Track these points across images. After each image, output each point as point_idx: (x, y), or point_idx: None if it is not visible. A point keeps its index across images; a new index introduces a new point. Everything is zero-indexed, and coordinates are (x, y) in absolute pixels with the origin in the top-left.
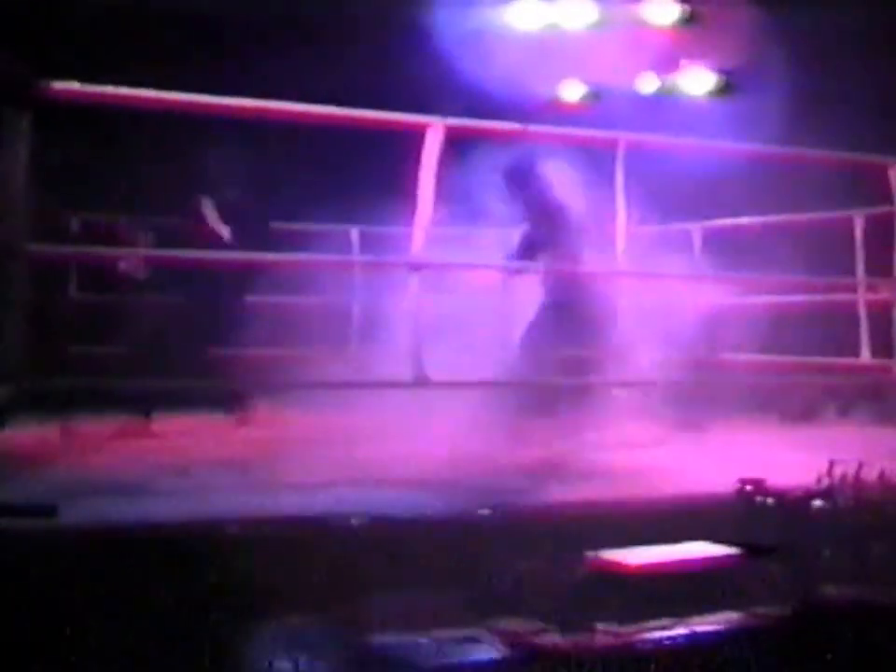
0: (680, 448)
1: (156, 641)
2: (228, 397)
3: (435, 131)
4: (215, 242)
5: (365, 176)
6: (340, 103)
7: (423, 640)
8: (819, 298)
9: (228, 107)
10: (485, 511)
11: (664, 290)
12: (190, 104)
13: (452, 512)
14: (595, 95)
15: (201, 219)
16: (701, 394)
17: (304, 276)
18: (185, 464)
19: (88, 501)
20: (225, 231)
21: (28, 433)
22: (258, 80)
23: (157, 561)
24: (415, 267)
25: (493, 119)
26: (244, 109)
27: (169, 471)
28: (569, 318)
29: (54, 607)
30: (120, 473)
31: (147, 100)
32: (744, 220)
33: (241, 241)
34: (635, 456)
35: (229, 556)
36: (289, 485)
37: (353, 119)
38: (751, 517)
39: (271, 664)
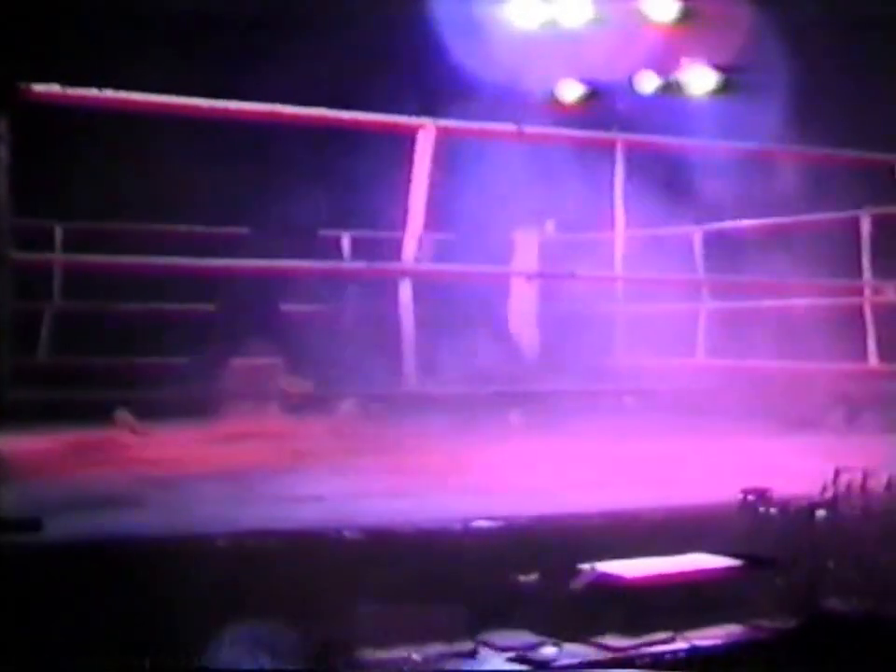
0: (681, 456)
1: (141, 655)
2: (211, 405)
3: (427, 132)
4: None
5: (358, 180)
6: (328, 104)
7: (414, 655)
8: (824, 301)
9: (212, 110)
10: (479, 523)
11: (663, 295)
12: (176, 106)
13: (444, 524)
14: (594, 94)
15: None
16: (704, 401)
17: (296, 283)
18: (171, 475)
19: (73, 514)
20: None
21: (10, 443)
22: (240, 82)
23: (142, 575)
24: (407, 274)
25: (489, 119)
26: (227, 112)
27: (155, 483)
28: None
29: (38, 622)
30: (105, 485)
31: (128, 103)
32: (746, 222)
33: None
34: (634, 466)
35: (215, 570)
36: (278, 497)
37: (343, 122)
38: (754, 527)
39: None
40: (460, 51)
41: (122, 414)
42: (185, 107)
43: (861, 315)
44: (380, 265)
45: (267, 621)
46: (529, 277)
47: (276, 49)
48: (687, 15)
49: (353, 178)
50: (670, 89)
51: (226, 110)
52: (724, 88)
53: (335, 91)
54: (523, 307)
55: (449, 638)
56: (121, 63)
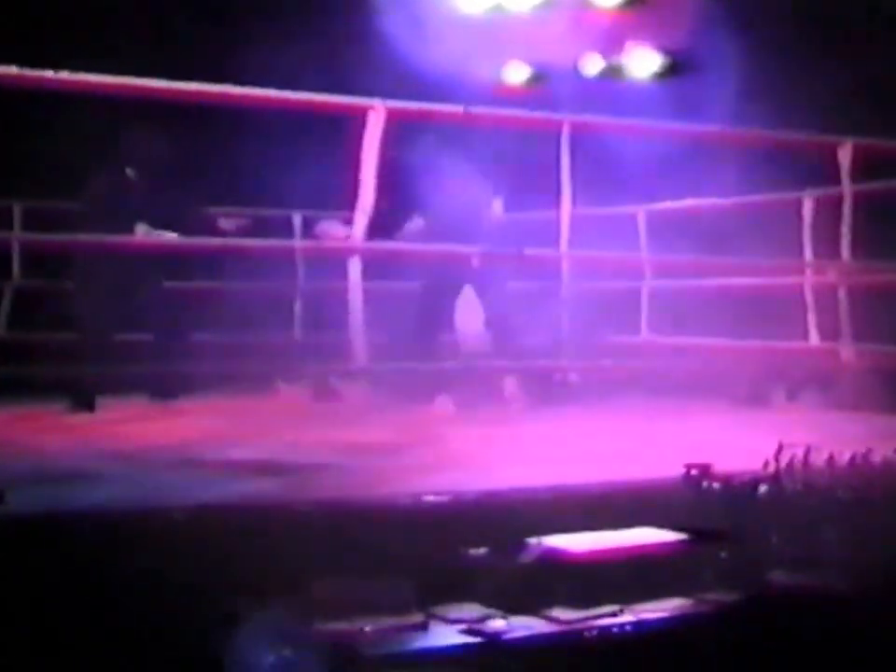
0: (626, 433)
1: (100, 631)
2: (165, 383)
3: (376, 113)
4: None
5: (309, 162)
6: (278, 85)
7: (367, 628)
8: (766, 281)
9: (162, 90)
10: (428, 498)
11: (607, 274)
12: (129, 87)
13: (395, 498)
14: (540, 77)
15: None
16: (648, 378)
17: (245, 263)
18: (131, 450)
19: (34, 487)
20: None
21: None
22: (187, 60)
23: (102, 548)
24: (355, 253)
25: (436, 102)
26: (178, 93)
27: (115, 457)
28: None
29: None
30: (65, 459)
31: (85, 84)
32: (689, 202)
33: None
34: (579, 442)
35: (174, 543)
36: (234, 471)
37: (292, 103)
38: (698, 502)
39: (213, 651)
40: (407, 36)
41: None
42: (136, 88)
43: (802, 296)
44: (330, 243)
45: (222, 595)
46: (479, 256)
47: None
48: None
49: (305, 159)
50: (614, 72)
51: (176, 91)
52: (668, 71)
53: (283, 74)
54: (472, 288)
55: (401, 612)
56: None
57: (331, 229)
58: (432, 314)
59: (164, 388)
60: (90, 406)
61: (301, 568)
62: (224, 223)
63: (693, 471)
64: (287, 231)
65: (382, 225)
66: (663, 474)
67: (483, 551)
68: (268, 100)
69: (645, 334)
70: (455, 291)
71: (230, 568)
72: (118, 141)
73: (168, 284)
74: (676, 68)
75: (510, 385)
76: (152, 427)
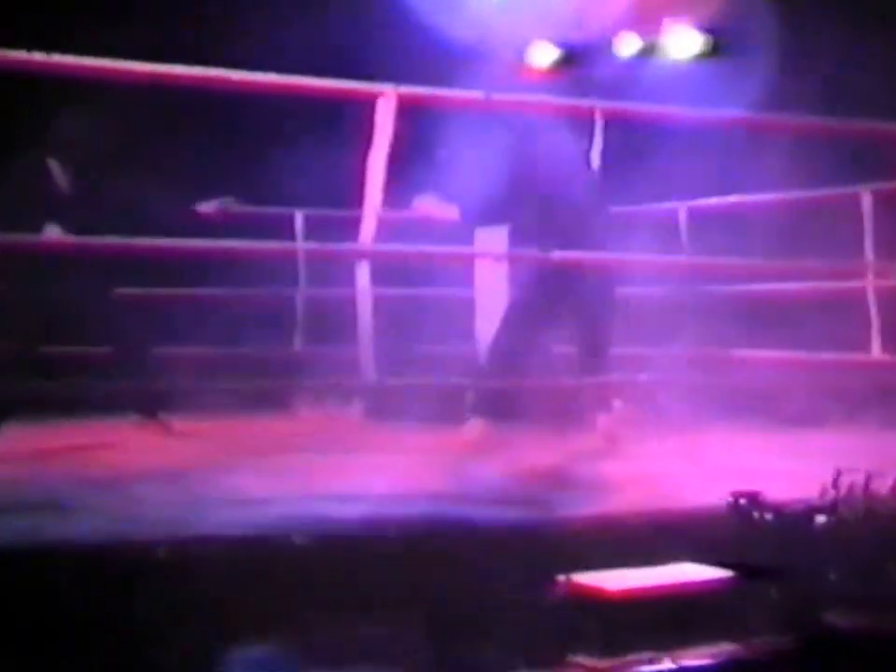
0: (666, 457)
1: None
2: (147, 400)
3: (387, 100)
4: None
5: (312, 154)
6: (280, 69)
7: None
8: (822, 285)
9: (150, 74)
10: (444, 528)
11: (645, 278)
12: (115, 71)
13: (407, 529)
14: (569, 59)
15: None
16: (690, 395)
17: (242, 266)
18: (111, 476)
19: (5, 518)
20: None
21: None
22: (179, 42)
23: (79, 585)
24: (364, 256)
25: (454, 86)
26: (171, 77)
27: (94, 484)
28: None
29: None
30: (40, 487)
31: (59, 66)
32: (734, 198)
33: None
34: (613, 466)
35: (157, 579)
36: (225, 500)
37: (294, 88)
38: (747, 534)
39: None
40: (422, 14)
41: None
42: (124, 72)
43: (864, 301)
44: (335, 246)
45: (211, 635)
46: (499, 259)
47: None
48: None
49: (307, 152)
50: (651, 51)
51: (169, 75)
52: (710, 51)
53: (290, 59)
54: (490, 293)
55: (408, 657)
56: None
57: (430, 204)
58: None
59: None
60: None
61: (298, 608)
62: (204, 207)
63: (741, 500)
64: (287, 230)
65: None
66: (706, 502)
67: (503, 589)
68: (270, 86)
69: (687, 345)
70: (555, 304)
71: (218, 609)
72: (43, 127)
73: (127, 291)
74: (718, 48)
75: (603, 420)
76: (137, 450)
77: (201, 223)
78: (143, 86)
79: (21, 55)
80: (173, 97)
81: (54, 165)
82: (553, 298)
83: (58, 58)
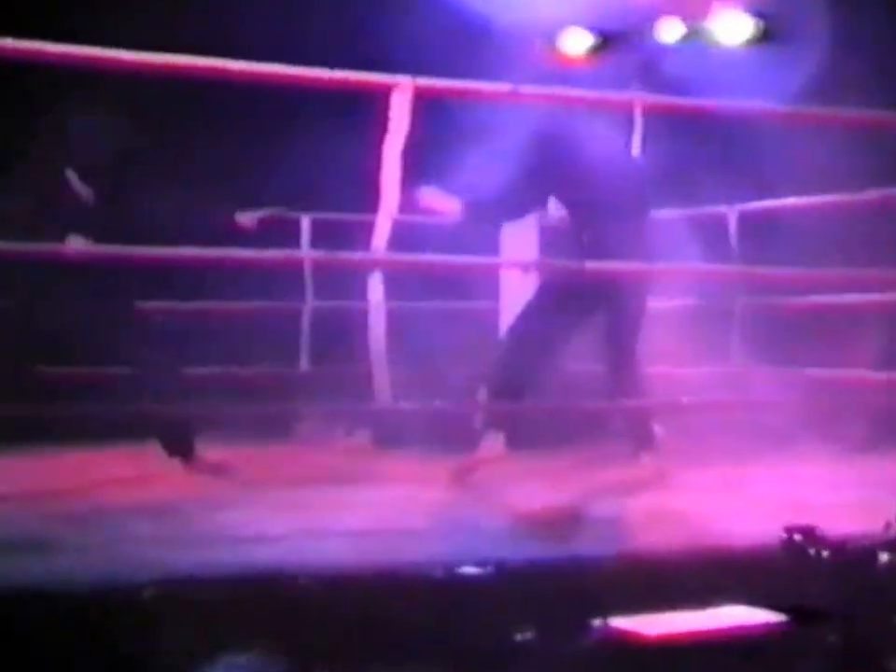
0: (711, 486)
1: None
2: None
3: (402, 93)
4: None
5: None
6: (283, 59)
7: None
8: (883, 297)
9: (146, 64)
10: (464, 568)
11: (689, 289)
12: (105, 59)
13: (428, 569)
14: (605, 46)
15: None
16: (737, 418)
17: (241, 277)
18: (98, 510)
19: None
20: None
21: None
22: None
23: (59, 630)
24: (378, 266)
25: (476, 77)
26: (165, 67)
27: (77, 520)
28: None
29: None
30: (21, 522)
31: (51, 55)
32: (790, 201)
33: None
34: (654, 498)
35: (143, 623)
36: (224, 537)
37: (301, 80)
38: (802, 574)
39: None
40: None
41: None
42: (115, 61)
43: None
44: (346, 255)
45: None
46: (527, 268)
47: None
48: None
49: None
50: (696, 37)
51: (163, 65)
52: (762, 37)
53: (283, 45)
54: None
55: None
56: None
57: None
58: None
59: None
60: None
61: (302, 655)
62: (243, 218)
63: (795, 535)
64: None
65: None
66: (758, 538)
67: (531, 633)
68: (274, 76)
69: (735, 362)
70: (578, 310)
71: (214, 655)
72: (61, 133)
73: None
74: (770, 34)
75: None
76: (129, 481)
77: (237, 235)
78: (148, 80)
79: (32, 45)
80: (174, 92)
81: (72, 175)
82: (576, 306)
83: (74, 49)
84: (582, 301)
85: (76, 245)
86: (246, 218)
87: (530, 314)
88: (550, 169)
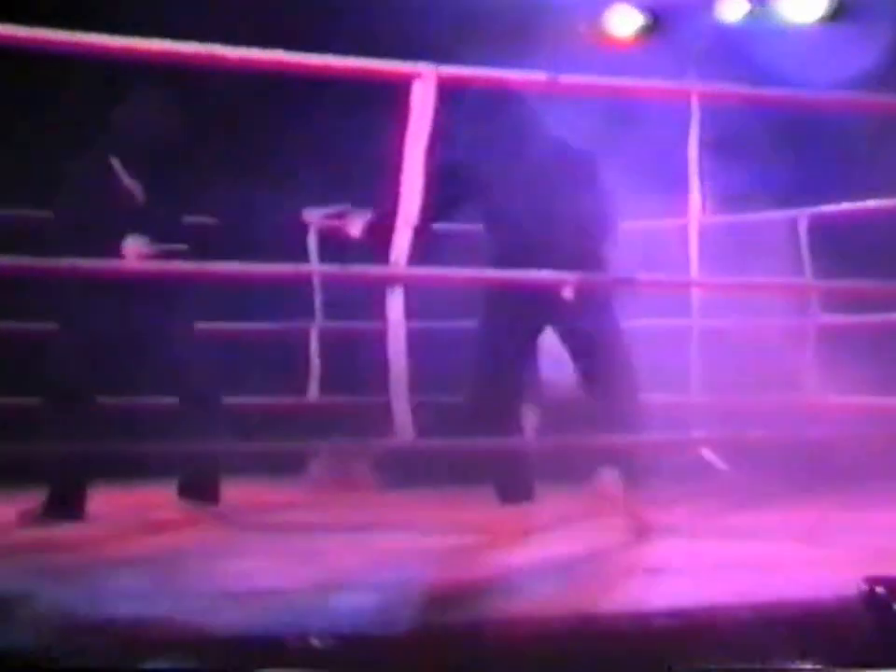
0: (779, 533)
1: None
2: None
3: (425, 83)
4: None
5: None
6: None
7: None
8: None
9: (150, 52)
10: (494, 626)
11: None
12: (88, 45)
13: (447, 627)
14: (657, 26)
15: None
16: (812, 454)
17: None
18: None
19: None
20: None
21: None
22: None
23: None
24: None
25: (509, 66)
26: (156, 54)
27: (62, 572)
28: None
29: None
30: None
31: (59, 43)
32: (871, 204)
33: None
34: (714, 546)
35: None
36: (225, 593)
37: (309, 68)
38: (883, 630)
39: None
40: None
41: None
42: (103, 47)
43: None
44: (361, 268)
45: None
46: (570, 284)
47: None
48: None
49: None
50: (762, 15)
51: (155, 51)
52: (834, 14)
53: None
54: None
55: None
56: None
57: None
58: (493, 365)
59: (199, 484)
60: (67, 507)
61: None
62: (309, 215)
63: (877, 588)
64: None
65: None
66: (833, 592)
67: None
68: (278, 64)
69: (809, 391)
70: (532, 331)
71: None
72: (105, 121)
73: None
74: (845, 10)
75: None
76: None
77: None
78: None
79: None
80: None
81: (116, 163)
82: (522, 324)
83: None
84: (530, 320)
85: (136, 248)
86: (315, 216)
87: (490, 340)
88: (454, 174)
